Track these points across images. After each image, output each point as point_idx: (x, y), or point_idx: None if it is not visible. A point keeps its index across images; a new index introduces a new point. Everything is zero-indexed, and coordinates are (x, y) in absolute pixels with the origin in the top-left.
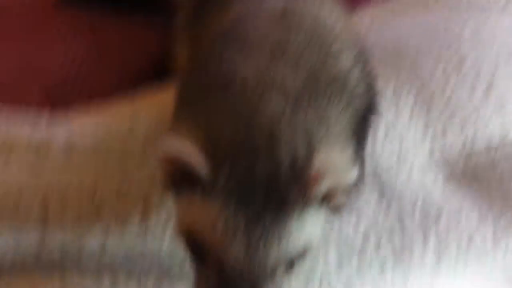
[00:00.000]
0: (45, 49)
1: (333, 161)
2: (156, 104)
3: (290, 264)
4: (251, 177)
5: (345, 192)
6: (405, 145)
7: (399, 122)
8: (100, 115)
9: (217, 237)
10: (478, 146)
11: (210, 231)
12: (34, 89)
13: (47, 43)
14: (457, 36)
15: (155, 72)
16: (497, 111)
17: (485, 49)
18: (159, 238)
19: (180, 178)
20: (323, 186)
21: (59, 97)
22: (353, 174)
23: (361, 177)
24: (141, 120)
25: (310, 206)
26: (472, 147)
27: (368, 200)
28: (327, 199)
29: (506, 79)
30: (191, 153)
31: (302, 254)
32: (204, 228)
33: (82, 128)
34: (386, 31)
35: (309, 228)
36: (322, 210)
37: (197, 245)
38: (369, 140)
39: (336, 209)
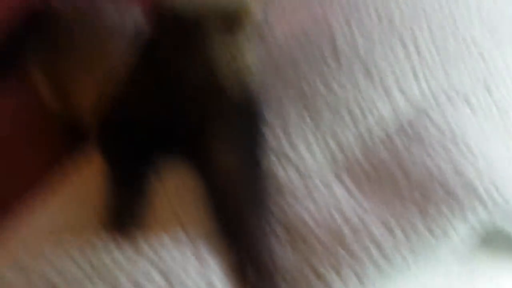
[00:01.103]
0: None
1: None
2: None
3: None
4: None
5: None
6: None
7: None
8: None
9: None
10: (375, 139)
11: None
12: None
13: None
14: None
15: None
16: (383, 96)
17: (359, 29)
18: None
19: None
20: None
21: None
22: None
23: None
24: None
25: None
26: (370, 141)
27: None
28: None
29: (383, 59)
30: None
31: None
32: None
33: None
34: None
35: None
36: None
37: None
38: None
39: None
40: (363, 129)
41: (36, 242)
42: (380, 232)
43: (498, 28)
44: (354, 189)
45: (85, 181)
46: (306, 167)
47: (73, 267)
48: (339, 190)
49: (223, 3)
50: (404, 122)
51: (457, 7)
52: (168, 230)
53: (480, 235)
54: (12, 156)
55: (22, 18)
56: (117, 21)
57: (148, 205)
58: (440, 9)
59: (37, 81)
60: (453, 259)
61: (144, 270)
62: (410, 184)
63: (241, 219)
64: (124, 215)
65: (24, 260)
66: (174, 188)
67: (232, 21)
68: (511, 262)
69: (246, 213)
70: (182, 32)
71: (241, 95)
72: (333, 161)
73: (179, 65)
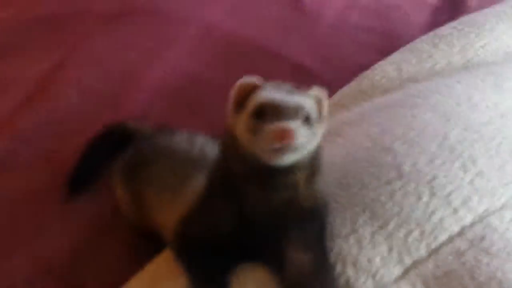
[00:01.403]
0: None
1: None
2: None
3: (306, 119)
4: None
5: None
6: (378, 277)
7: (363, 254)
8: None
9: (269, 96)
10: (442, 250)
11: (267, 98)
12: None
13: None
14: (390, 140)
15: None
16: (446, 208)
17: (419, 147)
18: None
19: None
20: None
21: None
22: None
23: None
24: None
25: (309, 97)
26: (437, 253)
27: None
28: (316, 103)
29: (446, 172)
30: (252, 77)
31: (310, 117)
32: (264, 98)
33: None
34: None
35: (309, 104)
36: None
37: (261, 108)
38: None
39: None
40: (435, 244)
41: None
42: None
43: None
44: None
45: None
46: (381, 277)
47: None
48: None
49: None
50: (472, 236)
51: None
52: None
53: None
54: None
55: (97, 137)
56: (187, 145)
57: None
58: (490, 124)
59: (119, 194)
60: None
61: None
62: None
63: None
64: None
65: None
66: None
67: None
68: None
69: None
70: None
71: (312, 207)
72: (406, 271)
73: (258, 195)
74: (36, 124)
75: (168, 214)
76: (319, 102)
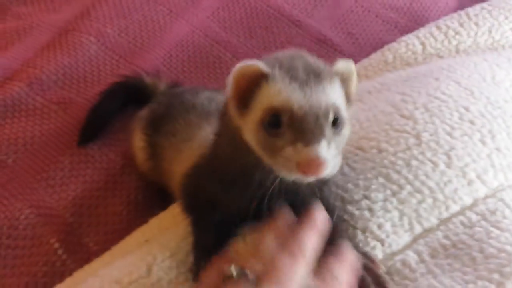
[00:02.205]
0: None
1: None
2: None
3: (334, 121)
4: (294, 67)
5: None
6: (386, 244)
7: (373, 220)
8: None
9: (286, 99)
10: (453, 220)
11: (281, 100)
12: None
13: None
14: (411, 108)
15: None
16: (461, 180)
17: (439, 117)
18: None
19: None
20: (339, 69)
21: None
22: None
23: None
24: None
25: (335, 81)
26: (447, 223)
27: None
28: (343, 83)
29: (464, 144)
30: (255, 62)
31: (337, 112)
32: (278, 100)
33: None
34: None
35: (336, 93)
36: (342, 89)
37: (275, 116)
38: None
39: (348, 97)
40: (446, 213)
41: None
42: None
43: None
44: (431, 263)
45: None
46: (390, 243)
47: None
48: (416, 266)
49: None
50: (483, 209)
51: None
52: None
53: None
54: (99, 204)
55: (111, 88)
56: (206, 102)
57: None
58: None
59: (137, 143)
60: None
61: None
62: (486, 260)
63: None
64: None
65: None
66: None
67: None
68: None
69: None
70: None
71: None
72: (415, 239)
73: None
74: (54, 72)
75: (177, 165)
76: (347, 79)
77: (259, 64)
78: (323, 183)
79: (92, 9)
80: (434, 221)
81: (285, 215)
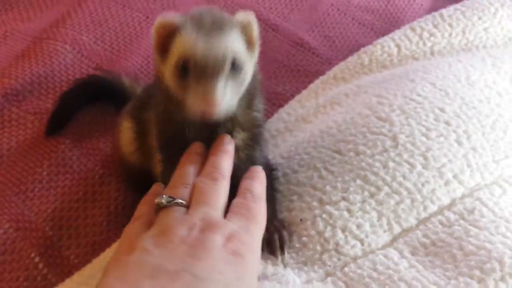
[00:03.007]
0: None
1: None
2: None
3: (233, 65)
4: (202, 20)
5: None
6: (366, 243)
7: (352, 220)
8: None
9: (191, 48)
10: (431, 220)
11: (188, 48)
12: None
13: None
14: (388, 110)
15: None
16: (438, 180)
17: (415, 119)
18: None
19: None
20: (239, 19)
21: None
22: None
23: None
24: None
25: (235, 30)
26: (426, 223)
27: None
28: (244, 31)
29: (440, 145)
30: (171, 15)
31: (237, 62)
32: (185, 48)
33: None
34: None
35: (235, 40)
36: (242, 37)
37: (184, 62)
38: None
39: (249, 44)
40: (424, 214)
41: None
42: None
43: None
44: (413, 259)
45: None
46: (369, 242)
47: None
48: (399, 261)
49: None
50: (461, 208)
51: (502, 100)
52: None
53: None
54: (78, 215)
55: (85, 80)
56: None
57: None
58: (487, 102)
59: (125, 134)
60: None
61: None
62: (466, 257)
63: None
64: None
65: None
66: None
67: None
68: None
69: None
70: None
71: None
72: (394, 238)
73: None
74: (29, 82)
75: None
76: (247, 27)
77: (174, 18)
78: (254, 142)
79: (67, 17)
80: (412, 221)
81: (197, 146)
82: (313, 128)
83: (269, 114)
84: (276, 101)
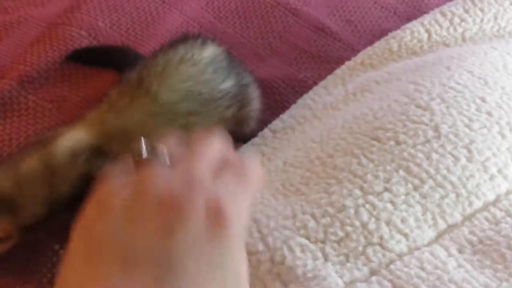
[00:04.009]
0: None
1: None
2: None
3: None
4: None
5: None
6: (411, 238)
7: (396, 213)
8: None
9: None
10: (477, 216)
11: None
12: None
13: None
14: (427, 98)
15: None
16: (483, 174)
17: (456, 108)
18: None
19: None
20: None
21: None
22: None
23: None
24: None
25: None
26: (472, 219)
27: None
28: None
29: (483, 137)
30: None
31: None
32: None
33: None
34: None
35: None
36: None
37: None
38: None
39: None
40: (469, 209)
41: None
42: None
43: None
44: (461, 258)
45: None
46: (414, 238)
47: None
48: (447, 259)
49: None
50: (507, 205)
51: None
52: None
53: None
54: None
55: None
56: None
57: None
58: None
59: None
60: None
61: None
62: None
63: None
64: None
65: None
66: None
67: None
68: None
69: None
70: None
71: None
72: (440, 234)
73: None
74: (45, 69)
75: None
76: None
77: None
78: None
79: (82, 3)
80: (458, 217)
81: None
82: (346, 115)
83: (290, 101)
84: (298, 88)
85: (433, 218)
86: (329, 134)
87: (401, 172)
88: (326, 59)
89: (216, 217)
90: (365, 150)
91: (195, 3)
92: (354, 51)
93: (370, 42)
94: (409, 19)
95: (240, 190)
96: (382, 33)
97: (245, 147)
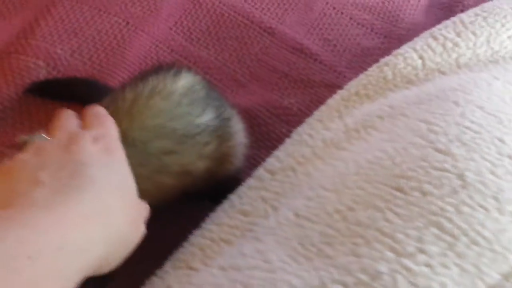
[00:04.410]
0: None
1: None
2: None
3: None
4: None
5: None
6: None
7: (434, 277)
8: None
9: None
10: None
11: None
12: None
13: None
14: (445, 141)
15: None
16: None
17: (477, 152)
18: None
19: None
20: None
21: None
22: None
23: None
24: None
25: None
26: (509, 277)
27: None
28: None
29: (510, 184)
30: None
31: None
32: None
33: None
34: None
35: None
36: None
37: None
38: None
39: None
40: (505, 267)
41: None
42: None
43: None
44: None
45: None
46: None
47: None
48: None
49: None
50: None
51: None
52: None
53: None
54: None
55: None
56: None
57: None
58: None
59: None
60: None
61: None
62: None
63: None
64: None
65: None
66: None
67: None
68: None
69: None
70: None
71: None
72: None
73: None
74: None
75: None
76: None
77: None
78: None
79: (36, 27)
80: (496, 276)
81: None
82: (355, 157)
83: (277, 131)
84: (284, 117)
85: (472, 281)
86: (344, 181)
87: (433, 229)
88: (309, 83)
89: (103, 145)
90: (389, 202)
91: (162, 24)
92: (336, 72)
93: (350, 62)
94: (386, 36)
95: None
96: (362, 51)
97: (240, 190)
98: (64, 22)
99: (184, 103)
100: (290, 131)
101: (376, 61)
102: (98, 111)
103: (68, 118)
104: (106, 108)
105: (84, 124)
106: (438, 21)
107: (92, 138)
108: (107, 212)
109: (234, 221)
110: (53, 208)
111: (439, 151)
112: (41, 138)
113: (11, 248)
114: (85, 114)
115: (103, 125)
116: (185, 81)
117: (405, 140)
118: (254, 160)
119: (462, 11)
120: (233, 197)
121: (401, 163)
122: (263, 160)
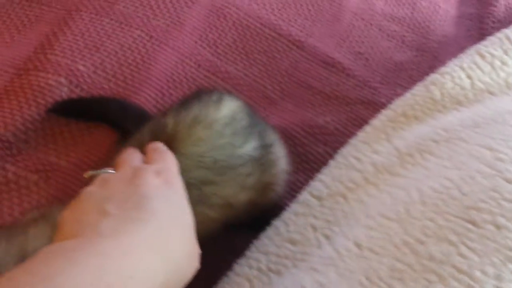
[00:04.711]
0: None
1: None
2: None
3: None
4: None
5: None
6: None
7: None
8: None
9: None
10: None
11: None
12: None
13: None
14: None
15: None
16: None
17: None
18: None
19: None
20: None
21: None
22: None
23: None
24: None
25: None
26: None
27: None
28: None
29: None
30: None
31: None
32: None
33: None
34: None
35: None
36: None
37: None
38: None
39: None
40: None
41: None
42: None
43: None
44: None
45: None
46: None
47: None
48: None
49: None
50: None
51: None
52: None
53: None
54: None
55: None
56: None
57: None
58: None
59: None
60: None
61: None
62: None
63: None
64: None
65: None
66: None
67: None
68: None
69: None
70: None
71: None
72: None
73: None
74: (22, 130)
75: None
76: None
77: None
78: None
79: (54, 41)
80: None
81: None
82: (417, 184)
83: (314, 151)
84: (320, 136)
85: None
86: (408, 211)
87: (510, 266)
88: (343, 99)
89: (164, 178)
90: (462, 236)
91: (187, 38)
92: (371, 88)
93: (384, 77)
94: (418, 48)
95: (164, 162)
96: (395, 66)
97: (285, 216)
98: (84, 36)
99: (227, 133)
100: (328, 152)
101: (410, 76)
102: (159, 147)
103: (132, 154)
104: (148, 135)
105: (147, 159)
106: (468, 32)
107: (154, 172)
108: (167, 243)
109: (283, 250)
110: (119, 238)
111: (509, 181)
112: (107, 172)
113: (94, 276)
114: (147, 149)
115: (164, 159)
116: (228, 109)
117: (470, 168)
118: (291, 183)
119: (493, 22)
120: (279, 224)
121: (470, 193)
122: (301, 182)
